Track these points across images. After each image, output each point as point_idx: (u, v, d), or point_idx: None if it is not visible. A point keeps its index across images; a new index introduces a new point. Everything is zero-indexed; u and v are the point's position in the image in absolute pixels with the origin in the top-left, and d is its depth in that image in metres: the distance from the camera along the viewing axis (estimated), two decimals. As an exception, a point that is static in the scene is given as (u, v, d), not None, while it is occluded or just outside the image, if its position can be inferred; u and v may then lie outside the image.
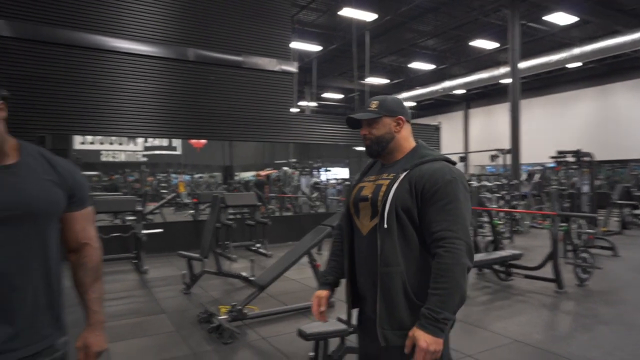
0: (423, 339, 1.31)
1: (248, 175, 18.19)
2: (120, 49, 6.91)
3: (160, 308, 4.66)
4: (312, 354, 2.73)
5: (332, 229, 4.32)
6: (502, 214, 9.08)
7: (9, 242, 1.15)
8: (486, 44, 15.95)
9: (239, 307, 4.06)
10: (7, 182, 1.17)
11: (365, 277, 1.52)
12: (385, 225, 1.40)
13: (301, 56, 16.93)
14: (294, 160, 18.63)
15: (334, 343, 2.85)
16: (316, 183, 15.58)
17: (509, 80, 14.29)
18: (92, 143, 16.12)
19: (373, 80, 19.69)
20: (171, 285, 5.56)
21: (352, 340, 2.81)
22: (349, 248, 1.60)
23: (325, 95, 23.91)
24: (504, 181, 11.08)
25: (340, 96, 24.60)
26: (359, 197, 1.56)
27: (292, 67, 8.54)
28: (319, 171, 17.32)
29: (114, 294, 5.08)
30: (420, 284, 1.40)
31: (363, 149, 1.74)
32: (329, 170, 18.85)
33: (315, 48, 16.18)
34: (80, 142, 16.45)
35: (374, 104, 1.58)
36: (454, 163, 1.52)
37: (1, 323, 1.14)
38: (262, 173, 16.59)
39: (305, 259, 4.47)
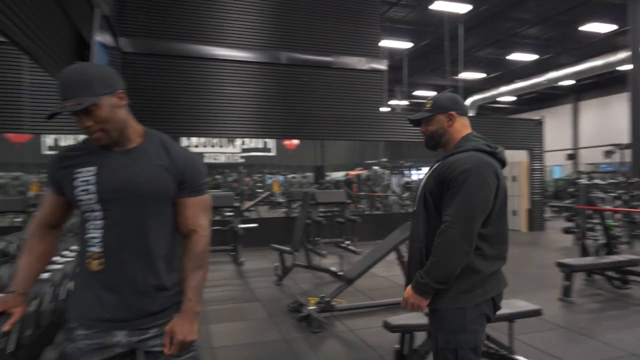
0: (408, 290, 1.64)
1: (339, 175, 18.45)
2: (221, 56, 7.47)
3: (255, 296, 4.96)
4: (397, 346, 2.72)
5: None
6: (618, 215, 8.11)
7: (118, 221, 1.26)
8: (600, 27, 14.33)
9: (328, 299, 4.17)
10: (122, 165, 1.28)
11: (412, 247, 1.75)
12: (415, 208, 1.70)
13: (391, 54, 16.74)
14: (384, 159, 18.48)
15: (420, 337, 2.80)
16: (407, 182, 15.31)
17: (628, 67, 12.69)
18: (196, 146, 17.55)
19: (467, 76, 18.78)
20: (265, 277, 5.88)
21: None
22: None
23: (417, 93, 23.36)
24: (621, 179, 9.87)
25: (433, 93, 23.82)
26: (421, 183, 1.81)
27: (382, 65, 8.50)
28: (410, 170, 16.99)
29: (214, 282, 5.52)
30: None
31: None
32: (420, 170, 18.40)
33: (406, 45, 15.89)
34: (186, 145, 18.03)
35: (428, 104, 1.79)
36: (489, 152, 1.65)
37: (111, 293, 1.26)
38: (352, 173, 16.73)
39: (393, 256, 4.44)
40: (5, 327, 1.15)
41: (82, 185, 1.26)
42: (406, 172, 16.61)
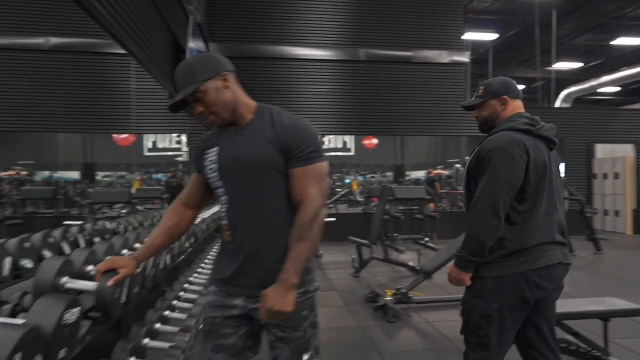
0: (450, 266, 1.76)
1: (420, 174, 18.05)
2: (301, 56, 7.75)
3: (333, 286, 5.08)
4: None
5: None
6: None
7: (235, 196, 1.36)
8: None
9: (404, 291, 4.16)
10: (235, 143, 1.37)
11: None
12: (461, 188, 1.89)
13: (475, 47, 16.00)
14: (468, 158, 17.72)
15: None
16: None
17: None
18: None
19: (561, 66, 17.34)
20: (342, 269, 5.99)
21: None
22: None
23: (504, 87, 22.04)
24: None
25: (521, 87, 22.34)
26: None
27: (464, 58, 8.23)
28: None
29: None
30: None
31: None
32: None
33: (491, 37, 15.11)
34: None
35: (481, 89, 1.84)
36: (524, 130, 1.69)
37: (235, 261, 1.36)
38: (434, 172, 16.27)
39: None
40: (110, 283, 1.31)
41: (209, 165, 1.39)
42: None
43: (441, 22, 8.11)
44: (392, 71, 8.01)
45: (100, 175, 14.70)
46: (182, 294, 2.47)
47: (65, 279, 1.39)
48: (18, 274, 1.71)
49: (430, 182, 13.70)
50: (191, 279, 2.73)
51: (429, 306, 4.20)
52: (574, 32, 15.66)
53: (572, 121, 9.61)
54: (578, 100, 19.16)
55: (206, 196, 1.52)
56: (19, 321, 1.04)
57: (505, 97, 1.79)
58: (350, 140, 19.42)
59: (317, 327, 1.48)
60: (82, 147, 18.51)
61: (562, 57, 16.54)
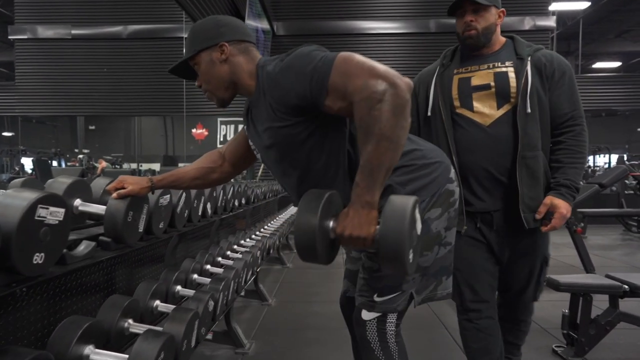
0: (564, 206, 1.44)
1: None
2: (367, 29, 7.44)
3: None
4: (566, 311, 2.19)
5: None
6: None
7: (269, 167, 1.23)
8: None
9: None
10: (254, 130, 1.24)
11: (486, 171, 1.50)
12: (529, 110, 1.45)
13: (561, 20, 14.53)
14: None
15: (601, 303, 2.23)
16: None
17: None
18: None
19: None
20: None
21: (630, 305, 2.13)
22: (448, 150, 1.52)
23: (597, 65, 19.85)
24: None
25: (617, 64, 19.92)
26: (470, 88, 1.53)
27: (550, 22, 7.38)
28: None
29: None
30: (548, 164, 1.53)
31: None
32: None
33: (582, 5, 13.57)
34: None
35: None
36: None
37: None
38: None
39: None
40: (114, 195, 1.19)
41: (250, 141, 1.28)
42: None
43: (522, -16, 7.34)
44: (466, 42, 7.42)
45: (180, 166, 15.60)
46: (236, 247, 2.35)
47: (78, 201, 1.25)
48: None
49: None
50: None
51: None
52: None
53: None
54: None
55: (248, 157, 1.35)
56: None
57: (504, 10, 1.57)
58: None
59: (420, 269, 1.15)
60: (164, 141, 19.87)
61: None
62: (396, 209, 0.89)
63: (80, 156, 12.17)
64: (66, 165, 12.93)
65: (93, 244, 1.16)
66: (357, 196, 0.92)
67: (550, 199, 1.46)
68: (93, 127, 19.51)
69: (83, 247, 1.12)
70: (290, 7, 7.50)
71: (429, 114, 1.59)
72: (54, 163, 12.61)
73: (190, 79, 1.21)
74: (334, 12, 7.45)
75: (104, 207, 1.24)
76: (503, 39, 1.59)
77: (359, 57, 0.96)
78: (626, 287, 2.04)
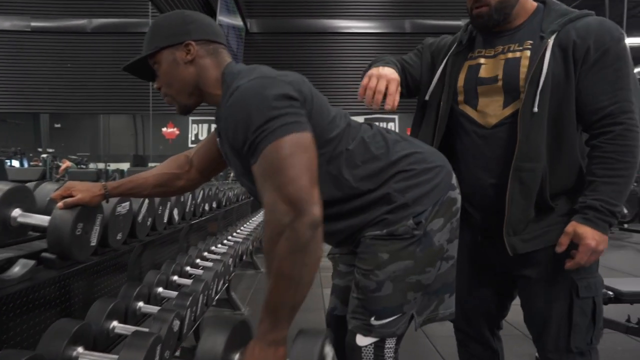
0: (592, 236, 1.06)
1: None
2: (341, 29, 7.36)
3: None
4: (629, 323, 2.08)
5: None
6: None
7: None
8: None
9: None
10: (221, 140, 1.13)
11: (481, 181, 1.18)
12: (536, 109, 1.09)
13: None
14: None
15: None
16: None
17: None
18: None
19: None
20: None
21: (614, 311, 2.08)
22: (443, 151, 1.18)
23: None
24: None
25: None
26: (475, 80, 1.19)
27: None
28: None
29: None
30: (559, 182, 1.14)
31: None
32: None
33: None
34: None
35: None
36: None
37: None
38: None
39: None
40: (59, 204, 1.04)
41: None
42: None
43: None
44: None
45: (150, 166, 15.18)
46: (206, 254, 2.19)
47: (16, 211, 1.09)
48: None
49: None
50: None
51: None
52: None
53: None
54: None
55: (219, 164, 1.20)
56: None
57: None
58: (395, 119, 18.74)
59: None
60: (134, 140, 19.27)
61: None
62: (304, 353, 0.84)
63: (44, 155, 11.62)
64: (29, 165, 12.34)
65: (32, 262, 1.00)
66: (262, 334, 0.83)
67: (573, 227, 1.08)
68: (59, 126, 18.72)
69: (18, 268, 0.95)
70: (264, 4, 7.33)
71: (427, 98, 1.30)
72: (16, 163, 11.99)
73: (147, 80, 1.06)
74: (309, 10, 7.32)
75: (48, 218, 1.07)
76: (532, 5, 1.19)
77: (289, 158, 0.82)
78: (610, 293, 2.00)
